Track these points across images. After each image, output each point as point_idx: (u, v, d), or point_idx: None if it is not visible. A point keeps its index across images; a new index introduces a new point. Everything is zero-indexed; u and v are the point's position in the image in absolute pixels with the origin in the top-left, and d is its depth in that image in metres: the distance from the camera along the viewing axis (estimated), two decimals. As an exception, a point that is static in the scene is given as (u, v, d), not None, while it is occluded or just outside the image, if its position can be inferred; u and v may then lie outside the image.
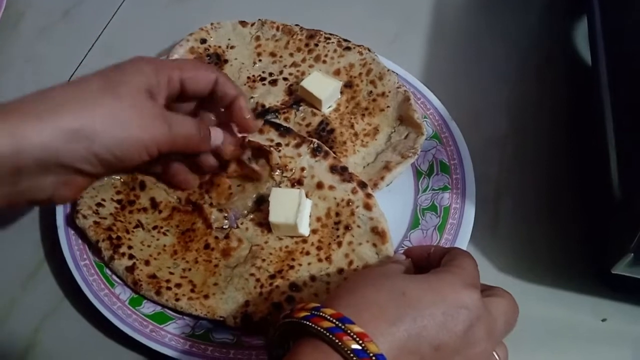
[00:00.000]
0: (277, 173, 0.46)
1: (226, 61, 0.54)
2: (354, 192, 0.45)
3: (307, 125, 0.51)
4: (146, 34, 0.60)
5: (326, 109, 0.51)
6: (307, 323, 0.30)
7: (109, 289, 0.42)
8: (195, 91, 0.43)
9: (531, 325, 0.44)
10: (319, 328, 0.29)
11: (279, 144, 0.47)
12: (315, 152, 0.47)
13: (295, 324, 0.31)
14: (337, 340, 0.29)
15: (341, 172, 0.46)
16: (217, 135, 0.44)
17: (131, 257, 0.43)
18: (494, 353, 0.33)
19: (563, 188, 0.50)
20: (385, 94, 0.52)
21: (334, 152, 0.48)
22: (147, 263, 0.43)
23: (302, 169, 0.46)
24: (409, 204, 0.48)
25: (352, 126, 0.51)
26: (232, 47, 0.55)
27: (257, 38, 0.55)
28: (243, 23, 0.56)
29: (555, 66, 0.58)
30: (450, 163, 0.49)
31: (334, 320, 0.29)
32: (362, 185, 0.46)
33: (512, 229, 0.48)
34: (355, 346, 0.28)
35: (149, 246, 0.44)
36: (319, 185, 0.46)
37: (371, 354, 0.28)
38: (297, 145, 0.47)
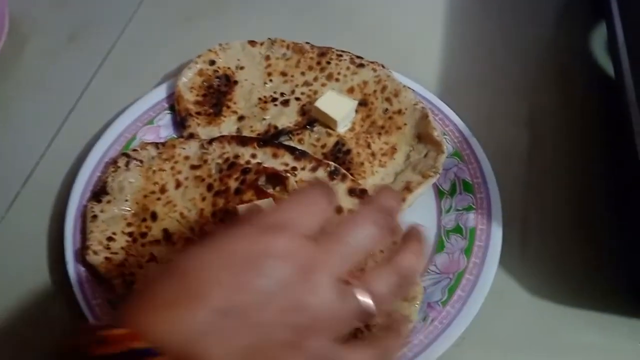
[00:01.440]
0: (294, 199, 0.44)
1: (236, 82, 0.53)
2: (374, 215, 0.43)
3: (323, 146, 0.49)
4: (153, 56, 0.58)
5: (341, 129, 0.50)
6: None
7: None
8: None
9: (565, 350, 0.42)
10: None
11: (294, 168, 0.46)
12: (332, 175, 0.45)
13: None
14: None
15: (360, 194, 0.44)
16: None
17: (145, 293, 0.41)
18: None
19: (591, 204, 0.48)
20: (402, 111, 0.50)
21: (351, 174, 0.46)
22: (162, 299, 0.41)
23: (320, 194, 0.45)
24: (432, 226, 0.46)
25: (368, 146, 0.49)
26: (241, 68, 0.53)
27: (267, 57, 0.54)
28: (252, 43, 0.54)
29: (574, 76, 0.56)
30: (474, 181, 0.47)
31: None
32: (383, 208, 0.44)
33: (541, 248, 0.46)
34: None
35: (163, 281, 0.42)
36: (338, 210, 0.44)
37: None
38: (314, 169, 0.45)
